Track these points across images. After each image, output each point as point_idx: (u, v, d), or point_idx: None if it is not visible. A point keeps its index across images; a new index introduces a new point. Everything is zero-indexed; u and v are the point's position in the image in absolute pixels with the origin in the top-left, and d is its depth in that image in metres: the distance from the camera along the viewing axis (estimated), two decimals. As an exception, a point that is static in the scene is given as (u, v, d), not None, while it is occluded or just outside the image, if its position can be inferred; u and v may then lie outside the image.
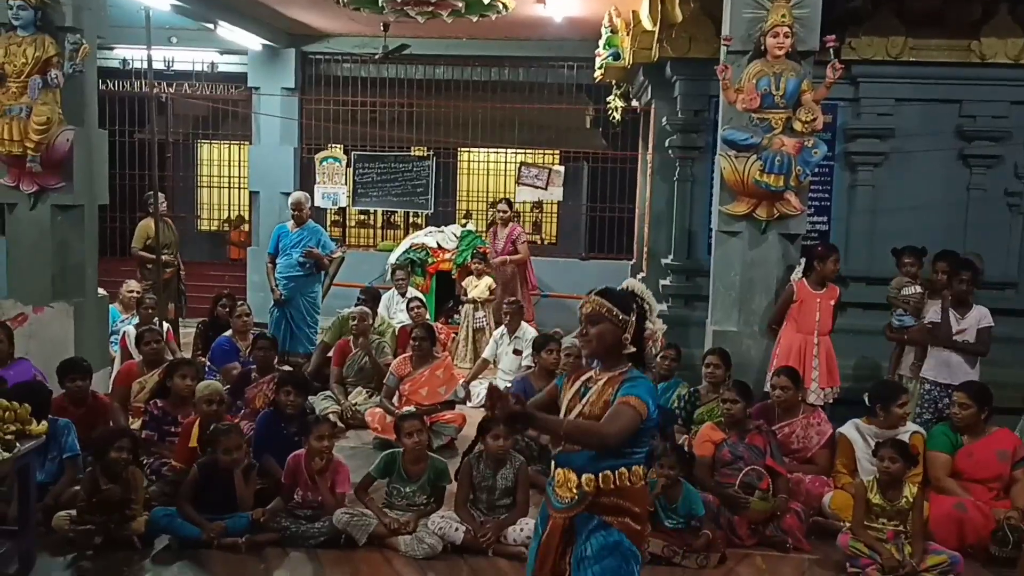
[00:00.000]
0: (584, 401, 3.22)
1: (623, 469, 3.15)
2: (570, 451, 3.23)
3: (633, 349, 3.22)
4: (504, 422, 3.27)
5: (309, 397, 7.31)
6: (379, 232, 14.52)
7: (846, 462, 5.72)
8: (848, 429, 5.81)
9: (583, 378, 3.31)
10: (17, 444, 4.42)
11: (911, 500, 4.97)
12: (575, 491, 3.18)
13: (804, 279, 6.53)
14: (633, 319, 3.21)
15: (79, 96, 6.81)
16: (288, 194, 12.39)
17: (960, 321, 6.33)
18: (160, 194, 9.79)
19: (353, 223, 14.67)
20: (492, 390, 3.05)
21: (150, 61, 7.84)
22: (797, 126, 6.43)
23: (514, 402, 3.02)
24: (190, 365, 6.17)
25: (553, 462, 3.34)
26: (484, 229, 13.74)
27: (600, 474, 3.14)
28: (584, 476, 3.16)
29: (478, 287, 9.86)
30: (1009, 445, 5.50)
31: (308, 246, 8.91)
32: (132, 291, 8.63)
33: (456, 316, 11.50)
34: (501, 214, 10.42)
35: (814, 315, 6.45)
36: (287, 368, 7.00)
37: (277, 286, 8.91)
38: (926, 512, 5.09)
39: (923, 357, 6.51)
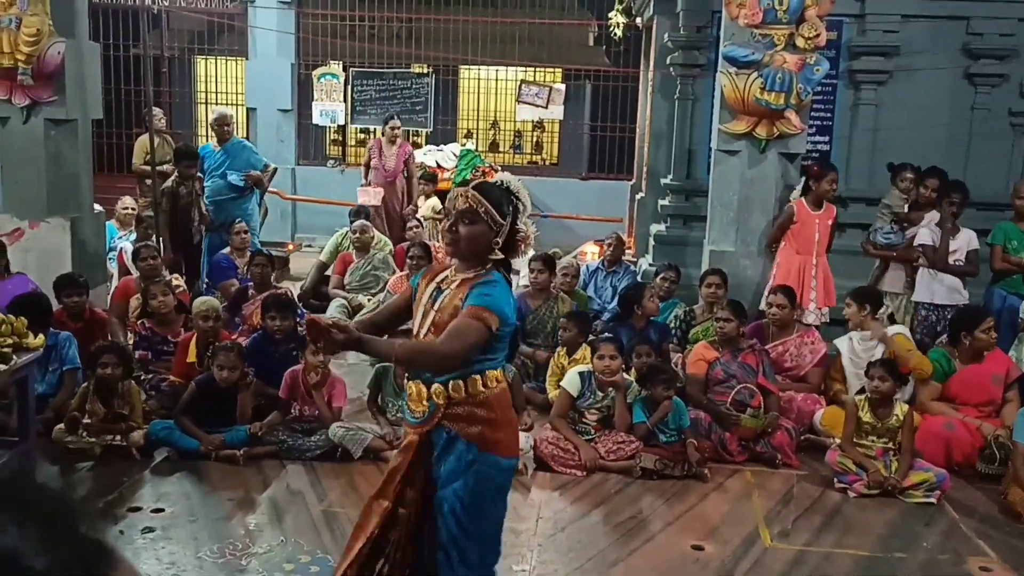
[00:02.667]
0: (436, 307, 2.94)
1: (475, 376, 2.90)
2: None
3: (501, 256, 2.96)
4: (329, 352, 2.93)
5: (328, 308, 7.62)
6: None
7: (838, 371, 5.83)
8: (840, 340, 5.94)
9: (437, 279, 3.02)
10: (14, 357, 4.46)
11: (901, 418, 5.03)
12: (426, 403, 2.94)
13: (803, 199, 6.48)
14: (508, 222, 2.95)
15: (69, 7, 6.70)
16: (287, 111, 12.39)
17: (952, 242, 6.32)
18: (158, 110, 9.72)
19: (353, 141, 14.53)
20: (310, 323, 2.75)
21: (141, -28, 7.69)
22: (800, 42, 6.32)
23: (336, 332, 2.72)
24: (158, 284, 6.16)
25: (406, 376, 3.16)
26: (485, 149, 13.67)
27: (450, 383, 2.89)
28: (433, 387, 2.91)
29: (423, 207, 9.80)
30: (1002, 368, 5.54)
31: (236, 168, 8.42)
32: (127, 208, 8.61)
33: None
34: (390, 131, 9.80)
35: (813, 235, 6.43)
36: (280, 288, 6.98)
37: (207, 211, 8.13)
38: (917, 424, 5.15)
39: (913, 274, 6.52)
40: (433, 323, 2.93)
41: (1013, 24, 8.12)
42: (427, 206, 9.82)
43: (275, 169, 9.43)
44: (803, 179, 6.61)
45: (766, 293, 6.34)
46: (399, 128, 9.91)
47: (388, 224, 9.41)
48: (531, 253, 8.25)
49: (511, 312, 2.93)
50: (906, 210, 6.69)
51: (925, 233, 6.42)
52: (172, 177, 7.81)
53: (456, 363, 2.87)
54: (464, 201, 2.88)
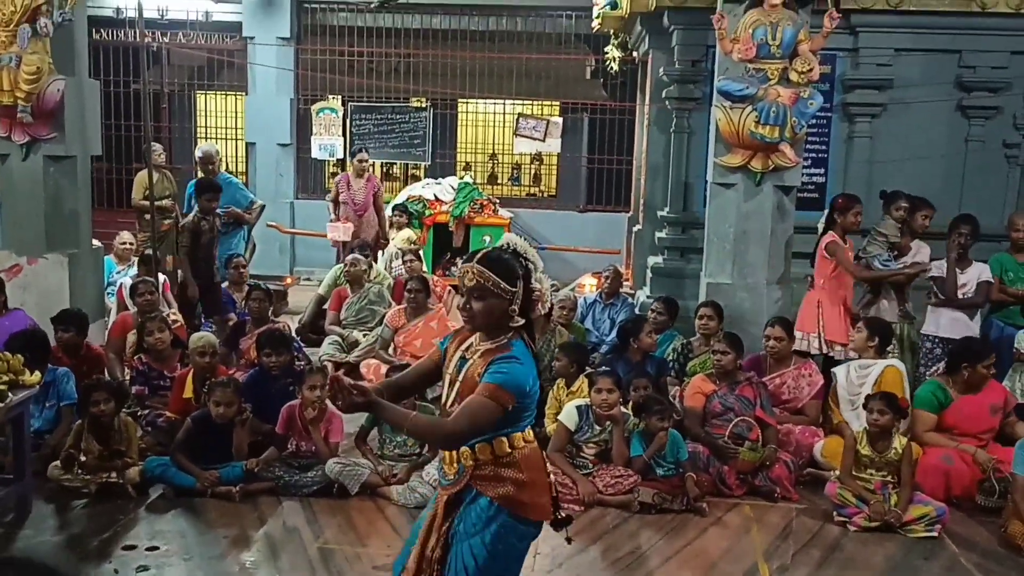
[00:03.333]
0: (460, 377, 2.94)
1: (501, 439, 2.88)
2: None
3: (521, 321, 2.93)
4: (345, 411, 2.90)
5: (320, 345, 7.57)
6: (377, 185, 14.45)
7: (835, 399, 5.84)
8: (839, 367, 5.94)
9: (463, 347, 3.02)
10: (10, 394, 4.46)
11: (900, 452, 5.01)
12: (456, 466, 2.94)
13: (832, 233, 6.46)
14: (520, 288, 2.90)
15: (69, 45, 6.74)
16: (286, 145, 12.46)
17: (960, 275, 6.34)
18: (158, 145, 9.77)
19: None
20: (333, 381, 2.80)
21: (140, 10, 7.73)
22: (793, 76, 6.37)
23: (357, 395, 2.75)
24: (154, 320, 6.16)
25: None
26: (483, 181, 13.72)
27: (476, 446, 2.88)
28: (462, 449, 2.91)
29: (396, 239, 9.76)
30: (1000, 398, 5.53)
31: (223, 204, 8.20)
32: (125, 243, 8.64)
33: (453, 268, 11.53)
34: (358, 163, 9.82)
35: (851, 263, 6.44)
36: (277, 322, 6.98)
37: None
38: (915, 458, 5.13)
39: (905, 303, 6.52)
40: (458, 393, 2.93)
41: (1006, 57, 8.20)
42: (400, 237, 9.77)
43: (262, 206, 9.44)
44: (827, 212, 6.62)
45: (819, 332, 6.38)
46: (367, 161, 9.86)
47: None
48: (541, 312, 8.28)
49: (531, 384, 2.87)
50: (899, 236, 6.68)
51: (936, 267, 6.44)
52: (194, 212, 7.73)
53: (462, 441, 2.87)
54: (471, 278, 2.86)
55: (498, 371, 2.81)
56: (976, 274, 6.36)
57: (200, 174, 8.32)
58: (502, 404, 2.78)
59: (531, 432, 2.98)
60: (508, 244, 3.01)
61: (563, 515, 3.06)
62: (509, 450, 2.89)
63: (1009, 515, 4.81)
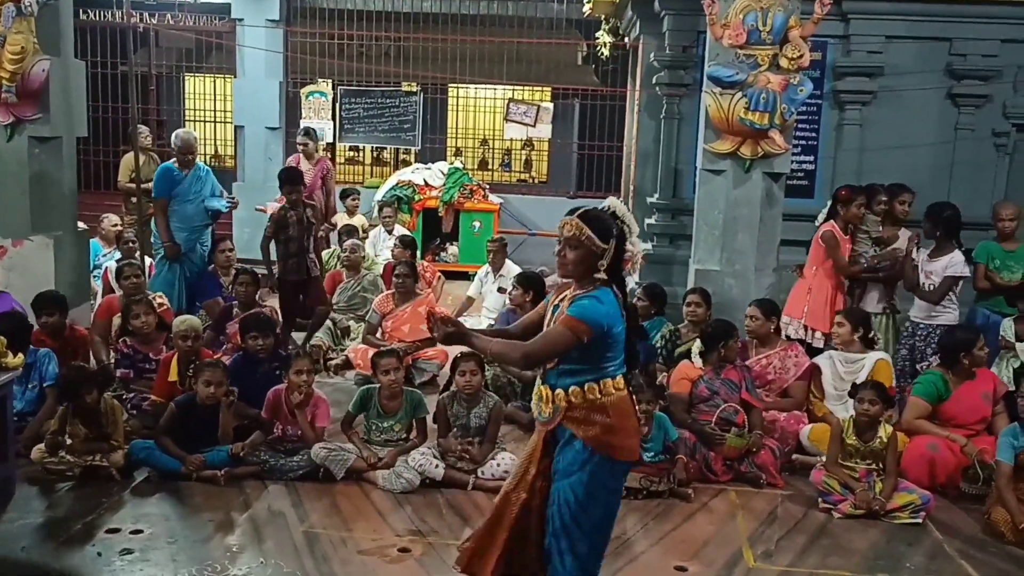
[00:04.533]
0: (553, 320, 3.28)
1: (591, 384, 3.21)
2: (549, 369, 3.30)
3: (605, 277, 3.22)
4: (442, 343, 3.32)
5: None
6: (368, 169, 14.43)
7: (819, 390, 5.85)
8: (821, 357, 5.93)
9: (560, 296, 3.35)
10: (-7, 377, 4.43)
11: (885, 441, 5.02)
12: (551, 406, 3.27)
13: (833, 223, 6.46)
14: (612, 245, 3.20)
15: (54, 25, 6.68)
16: (275, 129, 12.39)
17: (929, 263, 6.28)
18: (144, 127, 9.70)
19: (342, 159, 14.56)
20: (429, 315, 3.23)
21: (128, -10, 7.69)
22: (783, 63, 6.35)
23: (449, 326, 3.19)
24: (140, 303, 6.11)
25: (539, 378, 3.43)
26: (474, 167, 13.69)
27: (570, 388, 3.21)
28: (557, 391, 3.24)
29: (350, 223, 9.68)
30: (990, 386, 5.53)
31: (207, 193, 7.64)
32: (115, 224, 8.58)
33: (443, 253, 11.52)
34: (301, 147, 9.38)
35: (844, 260, 6.46)
36: (265, 306, 6.94)
37: (172, 238, 7.45)
38: (900, 448, 5.15)
39: (891, 293, 6.53)
40: None
41: (996, 45, 8.20)
42: (353, 222, 9.71)
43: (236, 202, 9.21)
44: (829, 203, 6.61)
45: (802, 321, 6.43)
46: (308, 144, 9.44)
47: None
48: (514, 270, 8.27)
49: (609, 322, 3.15)
50: (880, 230, 6.70)
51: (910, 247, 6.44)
52: (281, 204, 7.49)
53: (535, 362, 3.29)
54: (569, 229, 3.21)
55: (576, 305, 3.16)
56: (943, 266, 6.21)
57: (177, 162, 7.54)
58: (575, 332, 3.10)
59: (622, 380, 3.28)
60: (609, 207, 3.31)
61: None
62: (599, 395, 3.21)
63: (992, 502, 4.82)
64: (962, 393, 5.46)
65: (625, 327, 3.26)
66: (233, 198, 8.18)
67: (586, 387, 3.21)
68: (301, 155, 9.50)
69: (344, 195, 10.13)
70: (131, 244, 8.03)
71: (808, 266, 6.61)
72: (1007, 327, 6.19)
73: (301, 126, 9.84)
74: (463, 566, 3.54)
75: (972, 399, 5.46)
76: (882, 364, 5.71)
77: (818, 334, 6.36)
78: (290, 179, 7.39)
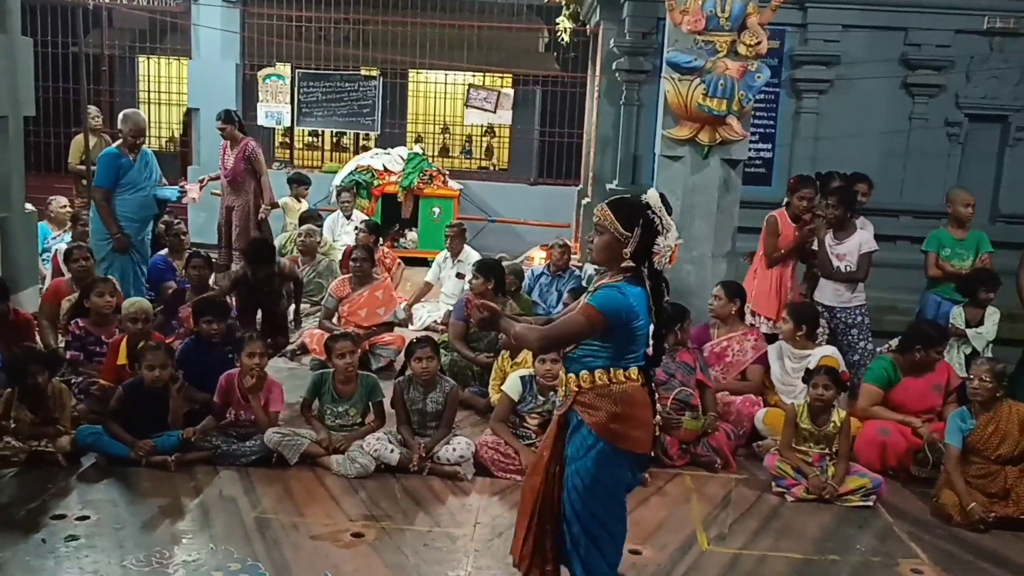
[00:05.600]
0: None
1: (601, 370, 3.24)
2: (567, 354, 3.36)
3: (631, 264, 3.22)
4: (480, 327, 3.49)
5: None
6: (327, 154, 14.28)
7: (770, 381, 5.88)
8: (771, 350, 5.96)
9: (595, 285, 3.37)
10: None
11: (838, 425, 5.07)
12: (564, 389, 3.35)
13: (784, 211, 6.49)
14: (636, 234, 3.19)
15: (0, 2, 6.50)
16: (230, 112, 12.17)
17: (837, 246, 6.31)
18: (94, 108, 9.50)
19: (300, 144, 14.40)
20: (468, 303, 3.44)
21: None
22: (741, 49, 6.36)
23: (484, 311, 3.33)
24: (106, 282, 6.01)
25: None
26: (435, 153, 13.61)
27: (581, 373, 3.27)
28: (570, 376, 3.31)
29: (296, 211, 9.56)
30: (943, 378, 5.59)
31: (154, 179, 7.28)
32: (63, 206, 8.41)
33: (402, 239, 11.44)
34: (220, 131, 8.85)
35: (773, 245, 6.47)
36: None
37: (121, 229, 7.01)
38: (853, 432, 5.20)
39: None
40: None
41: (950, 36, 8.31)
42: (301, 209, 9.61)
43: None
44: (788, 191, 6.64)
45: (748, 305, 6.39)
46: (224, 129, 8.73)
47: (242, 224, 8.55)
48: (474, 256, 8.24)
49: (628, 315, 3.17)
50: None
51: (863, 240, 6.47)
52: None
53: (550, 346, 3.49)
54: (597, 216, 3.29)
55: (598, 294, 3.21)
56: (857, 244, 6.26)
57: (125, 146, 7.03)
58: (591, 320, 3.16)
59: (636, 371, 3.29)
60: (644, 199, 3.28)
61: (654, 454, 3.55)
62: (607, 382, 3.24)
63: (941, 485, 4.90)
64: (911, 382, 5.52)
65: (652, 322, 3.26)
66: (183, 187, 7.97)
67: (596, 373, 3.25)
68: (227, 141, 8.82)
69: (291, 181, 9.90)
70: (85, 227, 7.86)
71: (758, 252, 6.65)
72: (956, 315, 6.29)
73: (217, 114, 9.07)
74: (516, 564, 3.58)
75: (921, 388, 5.52)
76: (828, 360, 5.66)
77: (762, 319, 6.39)
78: (301, 180, 7.07)
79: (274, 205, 8.85)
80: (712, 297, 6.08)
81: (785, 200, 6.61)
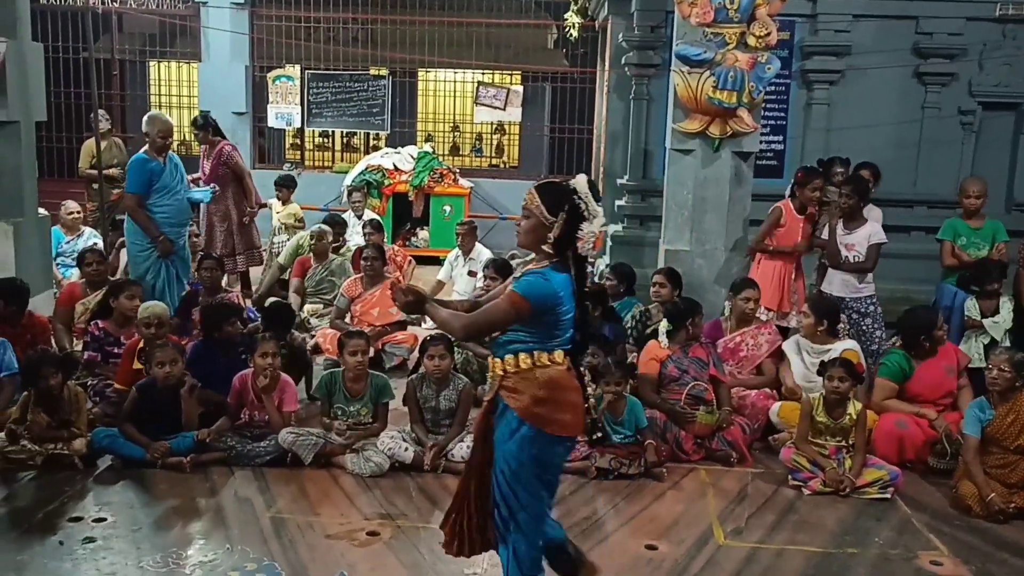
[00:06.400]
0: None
1: (525, 354, 3.21)
2: (495, 339, 3.34)
3: (554, 251, 3.19)
4: (403, 311, 3.43)
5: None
6: (338, 154, 14.30)
7: (787, 374, 5.81)
8: (788, 344, 5.90)
9: (520, 272, 3.36)
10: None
11: (855, 417, 5.03)
12: (491, 374, 3.34)
13: (789, 201, 6.46)
14: (561, 219, 3.16)
15: (10, 7, 6.57)
16: (242, 114, 12.23)
17: (847, 236, 6.30)
18: (103, 112, 9.52)
19: (311, 145, 14.43)
20: (392, 286, 3.31)
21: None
22: (751, 41, 6.35)
23: (408, 295, 3.27)
24: (137, 286, 6.04)
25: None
26: (445, 152, 13.61)
27: (506, 357, 3.24)
28: (494, 360, 3.30)
29: (281, 212, 9.53)
30: (952, 360, 5.58)
31: (184, 182, 7.08)
32: (71, 212, 8.44)
33: (413, 238, 11.45)
34: (195, 136, 8.67)
35: (795, 239, 6.45)
36: (231, 291, 6.85)
37: (163, 233, 6.74)
38: (870, 425, 5.16)
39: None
40: None
41: (961, 23, 8.23)
42: (285, 212, 9.57)
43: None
44: (792, 183, 6.61)
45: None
46: (197, 133, 8.74)
47: (226, 228, 8.58)
48: (485, 255, 8.24)
49: (553, 301, 3.15)
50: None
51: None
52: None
53: (474, 334, 3.47)
54: (525, 199, 3.25)
55: (521, 281, 3.19)
56: (866, 235, 6.25)
57: (152, 149, 6.77)
58: (514, 307, 3.13)
59: (561, 355, 3.25)
60: (572, 184, 3.25)
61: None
62: (531, 365, 3.21)
63: (960, 476, 4.86)
64: (925, 370, 5.49)
65: (576, 307, 3.25)
66: (215, 186, 7.99)
67: (520, 357, 3.21)
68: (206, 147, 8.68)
69: (276, 184, 9.80)
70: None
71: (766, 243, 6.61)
72: (971, 306, 6.23)
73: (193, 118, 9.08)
74: (447, 548, 3.53)
75: (936, 375, 5.49)
76: (850, 355, 5.63)
77: (763, 309, 6.33)
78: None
79: (262, 205, 8.85)
80: (752, 301, 5.97)
81: (789, 192, 6.57)
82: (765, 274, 6.42)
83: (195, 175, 8.56)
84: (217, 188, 8.01)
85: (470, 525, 3.42)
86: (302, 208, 10.12)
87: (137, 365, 5.45)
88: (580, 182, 3.25)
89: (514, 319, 3.17)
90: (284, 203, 9.57)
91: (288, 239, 8.93)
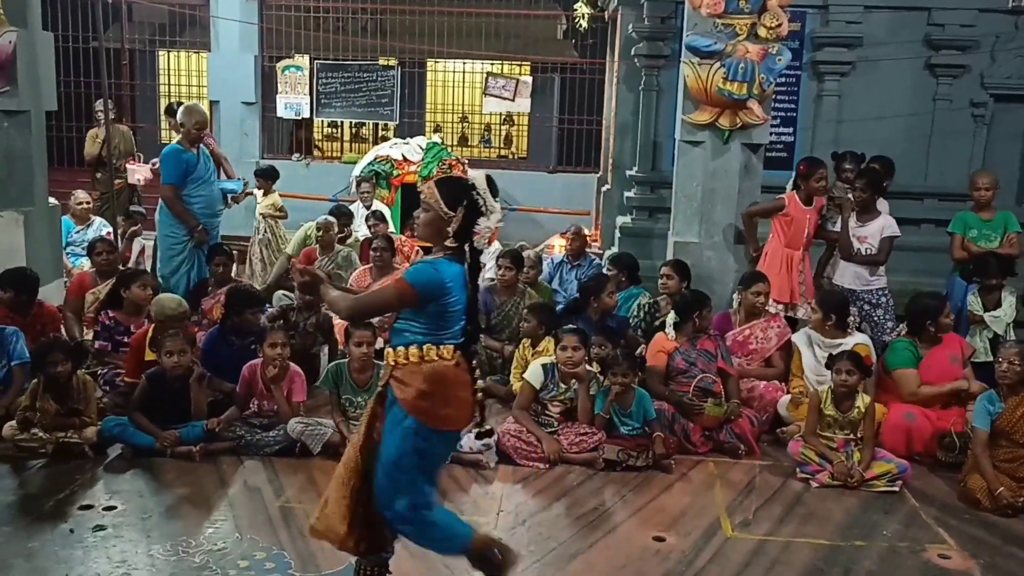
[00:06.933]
0: None
1: (415, 347, 3.26)
2: (392, 326, 3.41)
3: (453, 244, 3.27)
4: (299, 290, 3.71)
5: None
6: (346, 145, 14.30)
7: (797, 367, 5.79)
8: (799, 337, 5.86)
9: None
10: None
11: (863, 411, 5.02)
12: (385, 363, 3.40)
13: (795, 193, 6.44)
14: (460, 214, 3.23)
15: (21, -4, 6.55)
16: (251, 104, 12.23)
17: (859, 228, 6.29)
18: (103, 102, 9.51)
19: (319, 135, 14.43)
20: (293, 266, 3.44)
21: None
22: (762, 32, 6.32)
23: (305, 275, 3.50)
24: (148, 274, 6.08)
25: None
26: (454, 143, 13.60)
27: (397, 348, 3.31)
28: (388, 349, 3.37)
29: (262, 203, 9.49)
30: (957, 348, 5.58)
31: (215, 172, 7.29)
32: (80, 203, 8.46)
33: (422, 229, 11.42)
34: (169, 123, 8.75)
35: (802, 231, 6.41)
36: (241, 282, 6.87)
37: (200, 222, 6.88)
38: (879, 418, 5.15)
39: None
40: None
41: (974, 15, 8.18)
42: (266, 203, 9.54)
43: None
44: (794, 175, 6.59)
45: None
46: (172, 120, 8.61)
47: None
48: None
49: (440, 291, 3.21)
50: (850, 197, 6.68)
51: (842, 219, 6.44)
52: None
53: (358, 315, 3.78)
54: (423, 192, 3.32)
55: (412, 268, 3.30)
56: (879, 228, 6.26)
57: (187, 139, 6.84)
58: (400, 292, 3.22)
59: (450, 349, 3.29)
60: (471, 179, 3.33)
61: (486, 428, 3.48)
62: (419, 359, 3.26)
63: (968, 470, 4.84)
64: (932, 359, 5.49)
65: (467, 300, 3.30)
66: (244, 179, 8.01)
67: (411, 349, 3.26)
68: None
69: (255, 174, 9.73)
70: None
71: (770, 235, 6.58)
72: (972, 301, 6.20)
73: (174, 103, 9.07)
74: (319, 534, 3.53)
75: (942, 363, 5.49)
76: (861, 348, 5.57)
77: (771, 302, 6.31)
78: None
79: (247, 194, 8.82)
80: (761, 295, 5.94)
81: (791, 183, 6.54)
82: (772, 266, 6.40)
83: (154, 160, 8.74)
84: (247, 181, 8.10)
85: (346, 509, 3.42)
86: (310, 198, 10.15)
87: (149, 356, 5.46)
88: (478, 178, 3.33)
89: (397, 304, 3.28)
90: (265, 194, 9.52)
91: (266, 229, 9.03)
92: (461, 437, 3.48)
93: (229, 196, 7.51)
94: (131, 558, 3.87)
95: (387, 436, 3.32)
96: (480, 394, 3.42)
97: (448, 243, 3.27)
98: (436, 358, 3.26)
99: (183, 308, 5.66)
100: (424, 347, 3.25)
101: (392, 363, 3.31)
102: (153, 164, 8.87)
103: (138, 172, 8.97)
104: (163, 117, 9.12)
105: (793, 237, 6.41)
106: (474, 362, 3.41)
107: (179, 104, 9.06)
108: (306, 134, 13.76)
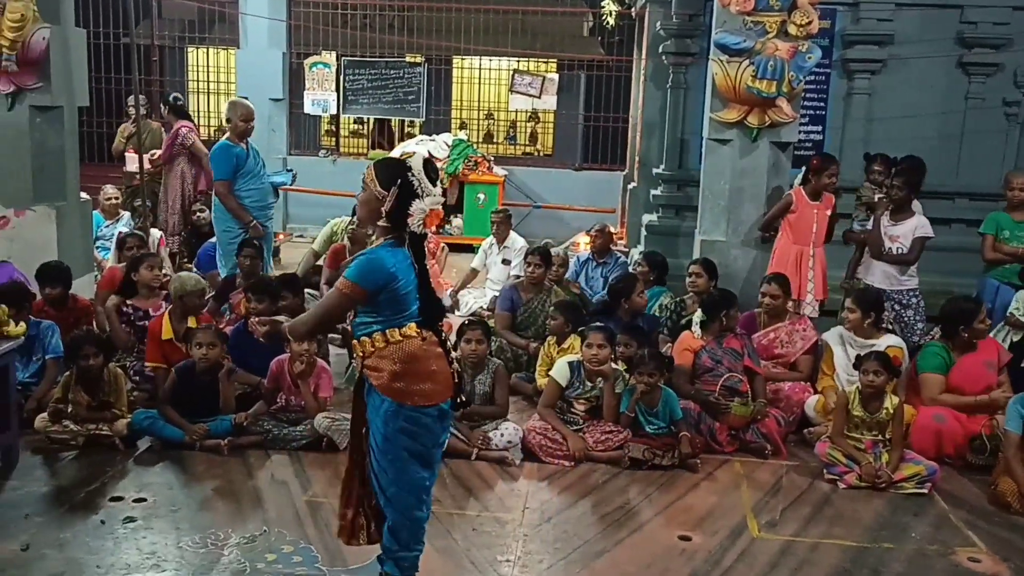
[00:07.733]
0: None
1: (376, 334, 3.30)
2: (353, 320, 3.45)
3: (386, 225, 3.29)
4: (267, 341, 3.84)
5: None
6: (374, 141, 14.35)
7: (828, 366, 5.75)
8: (831, 336, 5.81)
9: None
10: (-6, 345, 4.42)
11: (891, 411, 4.98)
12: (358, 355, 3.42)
13: (802, 189, 6.41)
14: (392, 194, 3.24)
15: (55, -7, 6.61)
16: (278, 101, 12.31)
17: (892, 227, 6.26)
18: (141, 97, 9.61)
19: (346, 132, 14.49)
20: (255, 327, 3.78)
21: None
22: (792, 30, 6.27)
23: (264, 326, 3.70)
24: (154, 256, 6.18)
25: None
26: (480, 140, 13.61)
27: (362, 338, 3.34)
28: (355, 341, 3.40)
29: None
30: (993, 354, 5.50)
31: (264, 166, 7.30)
32: (110, 198, 8.54)
33: (447, 226, 11.47)
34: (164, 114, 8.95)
35: (811, 226, 6.36)
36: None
37: (254, 217, 6.98)
38: (908, 419, 5.11)
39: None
40: None
41: (1007, 12, 8.08)
42: None
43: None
44: (804, 169, 6.55)
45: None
46: (165, 114, 9.08)
47: (171, 204, 8.83)
48: (522, 244, 8.23)
49: (386, 278, 3.23)
50: (876, 199, 6.64)
51: (874, 219, 6.42)
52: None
53: (315, 329, 3.72)
54: (364, 173, 3.34)
55: (351, 266, 3.29)
56: (911, 228, 6.23)
57: (235, 134, 6.91)
58: (347, 293, 3.25)
59: (413, 327, 3.32)
60: (407, 161, 3.32)
61: (461, 399, 3.51)
62: (385, 344, 3.29)
63: (999, 472, 4.79)
64: (966, 363, 5.42)
65: (417, 280, 3.32)
66: (292, 170, 8.08)
67: (375, 337, 3.30)
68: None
69: None
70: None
71: (780, 230, 6.54)
72: (1021, 304, 6.07)
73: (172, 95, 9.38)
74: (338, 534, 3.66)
75: (976, 368, 5.41)
76: (894, 351, 5.47)
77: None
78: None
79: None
80: (768, 296, 5.93)
81: (800, 179, 6.49)
82: (781, 261, 6.37)
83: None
84: (295, 173, 8.33)
85: (354, 509, 3.56)
86: (337, 195, 10.19)
87: (167, 335, 5.49)
88: (416, 159, 3.33)
89: (350, 303, 3.31)
90: None
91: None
92: (449, 413, 3.46)
93: (279, 188, 7.56)
94: (161, 550, 3.91)
95: (371, 424, 3.39)
96: (456, 364, 3.46)
97: (382, 223, 3.29)
98: (401, 338, 3.30)
99: (201, 285, 5.75)
100: (387, 332, 3.29)
101: (361, 353, 3.34)
102: (151, 155, 8.98)
103: (133, 163, 9.03)
104: (164, 112, 9.17)
105: (801, 232, 6.36)
106: (443, 335, 3.44)
107: (175, 98, 9.22)
108: (335, 129, 13.81)
